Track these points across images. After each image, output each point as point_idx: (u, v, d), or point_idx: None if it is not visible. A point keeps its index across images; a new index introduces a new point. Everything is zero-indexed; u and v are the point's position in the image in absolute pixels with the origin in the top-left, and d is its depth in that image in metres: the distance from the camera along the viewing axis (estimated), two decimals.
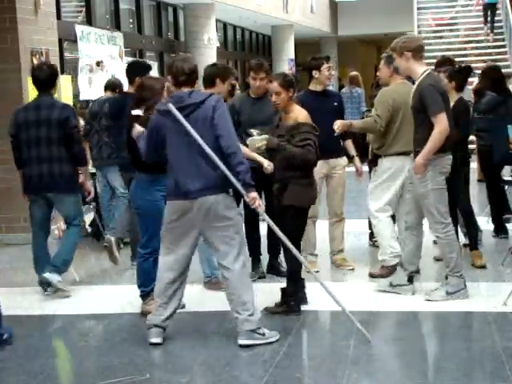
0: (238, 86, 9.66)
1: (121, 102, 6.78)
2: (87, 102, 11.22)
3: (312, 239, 6.87)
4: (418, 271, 6.48)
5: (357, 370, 4.59)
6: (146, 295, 5.73)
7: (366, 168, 7.19)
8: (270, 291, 6.00)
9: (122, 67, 13.17)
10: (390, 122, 6.41)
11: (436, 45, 22.54)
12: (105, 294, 6.52)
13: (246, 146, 5.82)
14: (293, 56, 24.20)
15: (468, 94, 7.44)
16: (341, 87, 22.33)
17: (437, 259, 7.05)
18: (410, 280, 6.07)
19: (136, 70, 6.86)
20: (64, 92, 9.78)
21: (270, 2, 20.85)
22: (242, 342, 5.01)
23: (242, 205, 5.75)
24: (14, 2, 8.72)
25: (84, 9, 13.34)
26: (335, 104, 6.90)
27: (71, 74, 11.65)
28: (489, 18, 21.82)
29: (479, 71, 9.07)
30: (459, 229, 7.20)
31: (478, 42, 22.31)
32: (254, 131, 5.78)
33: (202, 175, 4.93)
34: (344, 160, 6.92)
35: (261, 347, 4.99)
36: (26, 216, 8.52)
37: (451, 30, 23.73)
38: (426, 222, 6.03)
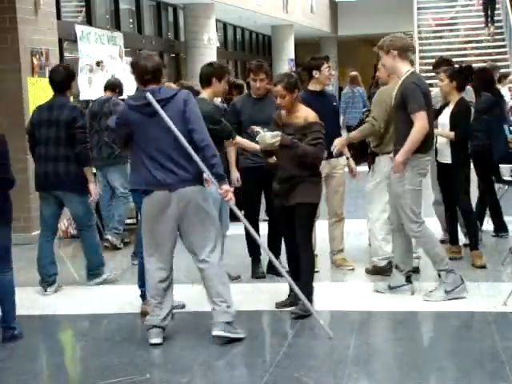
0: (245, 87, 9.62)
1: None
2: (87, 101, 11.23)
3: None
4: (417, 270, 6.49)
5: (357, 370, 4.59)
6: (146, 295, 5.73)
7: (365, 168, 7.19)
8: (269, 291, 6.00)
9: (122, 67, 13.19)
10: (387, 121, 6.41)
11: (436, 45, 22.57)
12: (105, 294, 6.51)
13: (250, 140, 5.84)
14: (293, 56, 24.21)
15: (470, 94, 7.43)
16: (340, 89, 22.35)
17: None
18: (409, 280, 6.06)
19: None
20: None
21: (269, 2, 20.85)
22: (217, 333, 5.04)
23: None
24: (14, 2, 8.72)
25: (84, 9, 13.35)
26: (334, 104, 6.94)
27: None
28: (489, 13, 21.83)
29: None
30: (459, 229, 7.21)
31: (478, 42, 22.33)
32: (258, 128, 5.74)
33: (179, 168, 4.96)
34: (344, 160, 6.92)
35: (260, 347, 4.98)
36: (26, 216, 8.55)
37: (451, 30, 23.74)
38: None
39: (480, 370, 4.55)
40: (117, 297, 6.39)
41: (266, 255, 6.80)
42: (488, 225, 8.03)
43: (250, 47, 24.96)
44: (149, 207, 5.05)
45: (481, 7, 22.61)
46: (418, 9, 23.84)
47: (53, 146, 6.46)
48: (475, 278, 6.43)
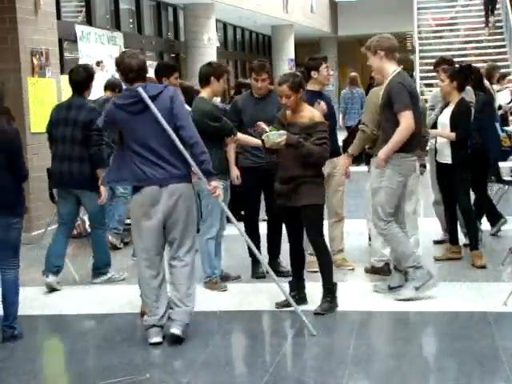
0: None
1: None
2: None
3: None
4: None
5: (357, 370, 4.59)
6: None
7: (365, 168, 7.18)
8: (269, 291, 6.00)
9: None
10: (379, 122, 6.38)
11: (436, 45, 22.56)
12: (105, 294, 6.51)
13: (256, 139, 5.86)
14: (293, 56, 24.21)
15: (470, 94, 7.42)
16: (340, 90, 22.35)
17: (437, 259, 7.05)
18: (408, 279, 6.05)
19: (163, 71, 7.01)
20: (64, 92, 9.77)
21: (269, 2, 20.85)
22: (177, 332, 5.07)
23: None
24: (14, 2, 8.73)
25: (84, 9, 13.35)
26: (332, 104, 6.97)
27: None
28: (489, 13, 21.84)
29: None
30: (459, 229, 7.21)
31: (477, 42, 22.32)
32: (265, 125, 5.70)
33: (169, 164, 4.98)
34: None
35: (260, 347, 4.97)
36: (27, 216, 8.54)
37: (451, 30, 23.73)
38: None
39: (480, 369, 4.55)
40: (117, 297, 6.39)
41: (265, 255, 6.82)
42: (488, 225, 8.02)
43: (249, 47, 24.95)
44: (139, 203, 5.06)
45: (481, 7, 22.61)
46: (418, 9, 23.82)
47: (68, 145, 6.55)
48: (475, 278, 6.43)
